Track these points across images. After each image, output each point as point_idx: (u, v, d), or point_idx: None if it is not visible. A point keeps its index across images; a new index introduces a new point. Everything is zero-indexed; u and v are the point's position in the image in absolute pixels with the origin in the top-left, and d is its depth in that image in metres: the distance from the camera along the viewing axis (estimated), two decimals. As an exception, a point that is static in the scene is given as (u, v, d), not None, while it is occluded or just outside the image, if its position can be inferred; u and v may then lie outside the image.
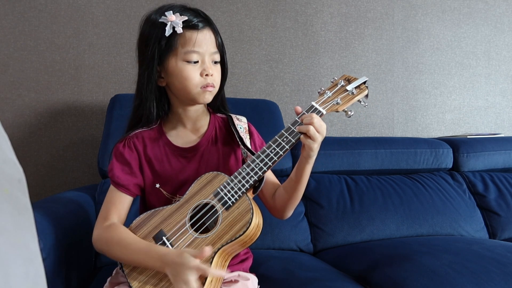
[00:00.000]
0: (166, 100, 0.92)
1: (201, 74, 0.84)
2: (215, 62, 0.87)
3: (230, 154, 0.93)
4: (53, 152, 1.61)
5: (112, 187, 0.88)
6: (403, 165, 1.67)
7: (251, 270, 0.95)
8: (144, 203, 0.94)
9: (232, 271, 0.89)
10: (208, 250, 0.71)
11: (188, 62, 0.84)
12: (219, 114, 0.97)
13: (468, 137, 1.87)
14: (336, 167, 1.60)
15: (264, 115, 1.53)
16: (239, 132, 0.91)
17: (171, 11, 0.83)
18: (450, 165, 1.74)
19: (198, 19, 0.85)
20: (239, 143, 0.90)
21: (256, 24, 1.81)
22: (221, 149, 0.92)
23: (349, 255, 1.27)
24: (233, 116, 0.95)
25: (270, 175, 0.94)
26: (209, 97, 0.87)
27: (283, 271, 1.05)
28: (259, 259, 1.09)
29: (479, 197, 1.65)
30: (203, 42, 0.84)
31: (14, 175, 0.29)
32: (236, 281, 0.86)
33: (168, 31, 0.81)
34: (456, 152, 1.74)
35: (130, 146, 0.89)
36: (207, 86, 0.85)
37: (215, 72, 0.86)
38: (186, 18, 0.83)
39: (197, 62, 0.84)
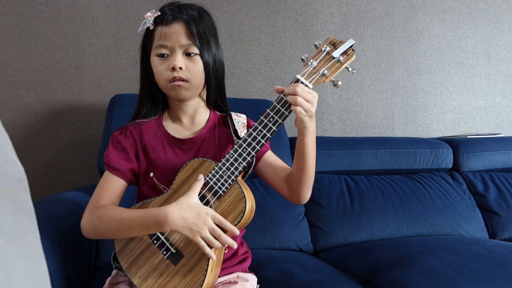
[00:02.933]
0: (164, 95, 0.92)
1: (168, 68, 0.83)
2: (191, 55, 0.83)
3: (228, 150, 0.91)
4: (53, 152, 1.61)
5: (106, 173, 0.86)
6: (403, 165, 1.67)
7: (251, 269, 0.94)
8: (139, 194, 0.92)
9: (231, 272, 0.88)
10: (201, 177, 0.76)
11: (159, 56, 0.84)
12: (219, 113, 0.96)
13: (468, 137, 1.87)
14: (336, 167, 1.60)
15: (264, 115, 1.52)
16: (236, 125, 0.89)
17: (154, 9, 0.84)
18: (450, 165, 1.74)
19: (170, 13, 0.83)
20: (233, 135, 0.87)
21: (256, 24, 1.81)
22: (219, 145, 0.90)
23: (349, 255, 1.26)
24: (233, 113, 0.94)
25: (277, 161, 0.91)
26: (182, 92, 0.84)
27: (283, 273, 1.04)
28: (259, 259, 1.09)
29: (479, 197, 1.65)
30: (172, 35, 0.81)
31: (16, 174, 0.29)
32: (235, 282, 0.85)
33: (140, 29, 0.84)
34: (456, 152, 1.74)
35: (127, 134, 0.89)
36: (173, 80, 0.82)
37: (190, 65, 0.83)
38: (159, 13, 0.83)
39: (168, 56, 0.83)
